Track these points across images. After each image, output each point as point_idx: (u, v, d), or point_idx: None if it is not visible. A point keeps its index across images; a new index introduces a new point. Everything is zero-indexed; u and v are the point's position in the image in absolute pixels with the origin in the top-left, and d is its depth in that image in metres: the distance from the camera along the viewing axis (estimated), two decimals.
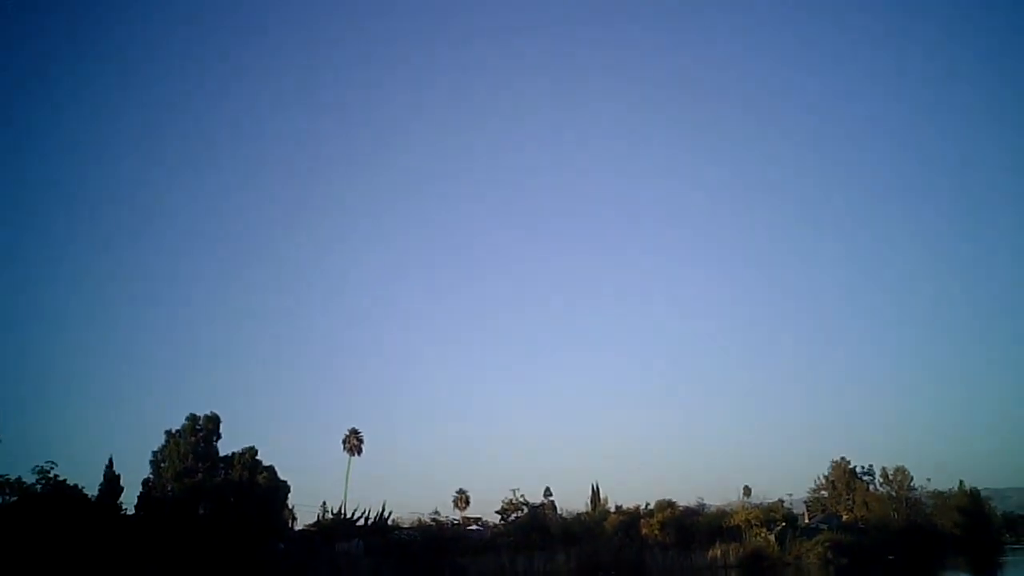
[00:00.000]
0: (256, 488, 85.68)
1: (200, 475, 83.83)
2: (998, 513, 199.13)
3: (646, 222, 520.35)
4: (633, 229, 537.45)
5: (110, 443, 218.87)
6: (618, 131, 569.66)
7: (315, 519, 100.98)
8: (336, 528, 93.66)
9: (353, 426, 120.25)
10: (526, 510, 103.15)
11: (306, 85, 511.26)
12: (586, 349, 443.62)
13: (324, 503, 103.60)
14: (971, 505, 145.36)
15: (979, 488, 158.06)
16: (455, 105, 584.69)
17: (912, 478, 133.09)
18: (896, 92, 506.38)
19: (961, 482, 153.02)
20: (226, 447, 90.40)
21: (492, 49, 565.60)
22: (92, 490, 79.18)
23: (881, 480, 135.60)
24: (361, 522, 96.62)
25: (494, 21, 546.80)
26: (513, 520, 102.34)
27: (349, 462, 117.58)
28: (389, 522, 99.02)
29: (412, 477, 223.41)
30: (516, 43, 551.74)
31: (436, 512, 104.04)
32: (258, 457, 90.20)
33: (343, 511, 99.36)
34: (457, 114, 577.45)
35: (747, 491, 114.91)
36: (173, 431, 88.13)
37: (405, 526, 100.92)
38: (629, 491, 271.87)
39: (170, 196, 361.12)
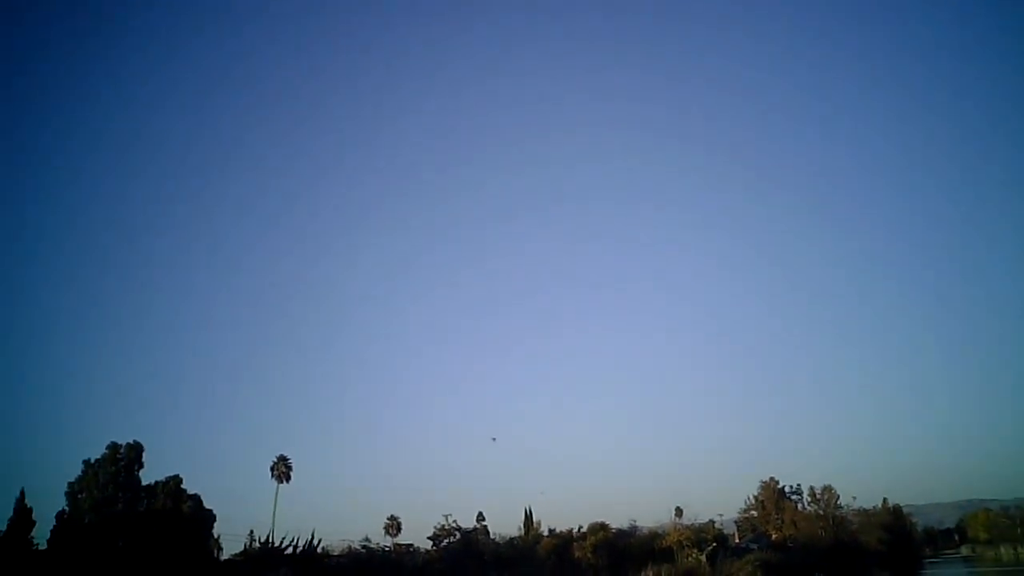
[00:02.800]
0: (180, 518, 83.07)
1: (120, 505, 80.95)
2: (919, 529, 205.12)
3: (590, 250, 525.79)
4: (578, 256, 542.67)
5: (21, 476, 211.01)
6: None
7: (242, 548, 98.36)
8: (263, 557, 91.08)
9: (282, 453, 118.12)
10: (459, 535, 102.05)
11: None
12: (517, 375, 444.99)
13: (251, 532, 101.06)
14: (894, 522, 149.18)
15: (901, 505, 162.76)
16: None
17: (839, 496, 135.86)
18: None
19: (885, 499, 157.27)
20: (149, 476, 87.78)
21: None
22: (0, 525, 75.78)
23: (809, 499, 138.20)
24: (289, 551, 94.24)
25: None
26: (446, 546, 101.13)
27: (277, 489, 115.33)
28: (319, 550, 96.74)
29: (343, 504, 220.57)
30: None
31: (367, 539, 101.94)
32: (183, 486, 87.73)
33: (271, 540, 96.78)
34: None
35: (679, 512, 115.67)
36: (92, 461, 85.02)
37: (335, 553, 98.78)
38: (562, 514, 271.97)
39: (92, 214, 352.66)
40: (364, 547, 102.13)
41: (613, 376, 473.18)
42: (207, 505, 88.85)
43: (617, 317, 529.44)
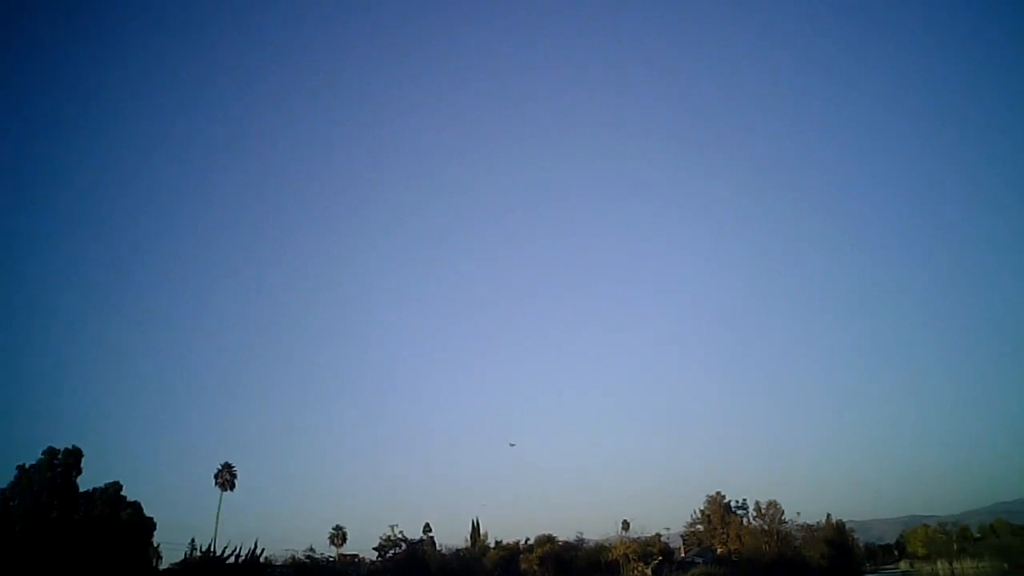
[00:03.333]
0: (118, 526, 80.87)
1: (55, 513, 78.47)
2: (861, 544, 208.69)
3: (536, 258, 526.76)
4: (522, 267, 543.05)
5: None
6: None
7: (182, 557, 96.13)
8: (203, 566, 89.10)
9: (227, 460, 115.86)
10: (405, 546, 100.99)
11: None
12: (464, 387, 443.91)
13: (193, 540, 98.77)
14: (837, 537, 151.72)
15: (844, 520, 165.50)
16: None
17: (783, 512, 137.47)
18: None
19: (828, 515, 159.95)
20: (88, 483, 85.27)
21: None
22: None
23: (754, 514, 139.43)
24: (231, 560, 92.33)
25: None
26: (391, 557, 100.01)
27: (221, 497, 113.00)
28: (261, 559, 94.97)
29: (288, 513, 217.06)
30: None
31: (311, 549, 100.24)
32: (123, 493, 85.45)
33: (212, 548, 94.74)
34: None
35: (626, 525, 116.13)
36: (27, 467, 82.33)
37: (278, 563, 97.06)
38: (510, 526, 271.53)
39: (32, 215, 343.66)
40: (308, 557, 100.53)
41: (563, 391, 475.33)
42: (148, 513, 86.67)
43: (566, 332, 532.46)
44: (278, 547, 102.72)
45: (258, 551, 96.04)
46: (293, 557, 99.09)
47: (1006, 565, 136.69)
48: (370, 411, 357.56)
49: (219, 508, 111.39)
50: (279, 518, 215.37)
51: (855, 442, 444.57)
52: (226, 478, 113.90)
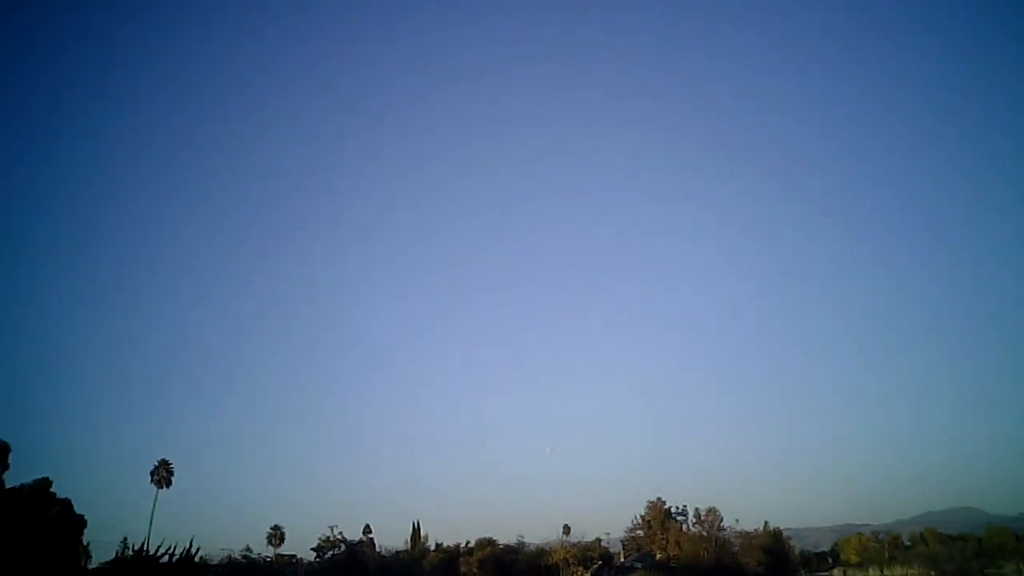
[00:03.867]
0: (46, 523, 78.46)
1: None
2: (796, 551, 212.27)
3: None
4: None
5: None
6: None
7: (113, 556, 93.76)
8: (134, 566, 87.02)
9: (164, 457, 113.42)
10: (344, 548, 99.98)
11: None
12: (404, 388, 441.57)
13: (125, 539, 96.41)
14: (773, 544, 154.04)
15: (781, 528, 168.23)
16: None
17: (722, 518, 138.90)
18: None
19: (766, 523, 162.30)
20: (15, 479, 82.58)
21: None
22: None
23: (694, 520, 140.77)
24: (165, 559, 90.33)
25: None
26: (330, 558, 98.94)
27: (157, 495, 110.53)
28: (197, 559, 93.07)
29: (225, 512, 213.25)
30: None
31: (248, 549, 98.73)
32: (52, 490, 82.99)
33: (145, 547, 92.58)
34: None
35: (567, 530, 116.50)
36: None
37: (214, 563, 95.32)
38: (451, 529, 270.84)
39: None
40: (245, 556, 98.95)
41: (504, 395, 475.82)
42: (79, 510, 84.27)
43: (508, 334, 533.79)
44: (214, 547, 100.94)
45: (193, 550, 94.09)
46: (229, 557, 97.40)
47: (933, 572, 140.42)
48: (310, 410, 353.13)
49: (154, 506, 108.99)
50: (216, 517, 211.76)
51: (792, 452, 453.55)
52: (162, 475, 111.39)
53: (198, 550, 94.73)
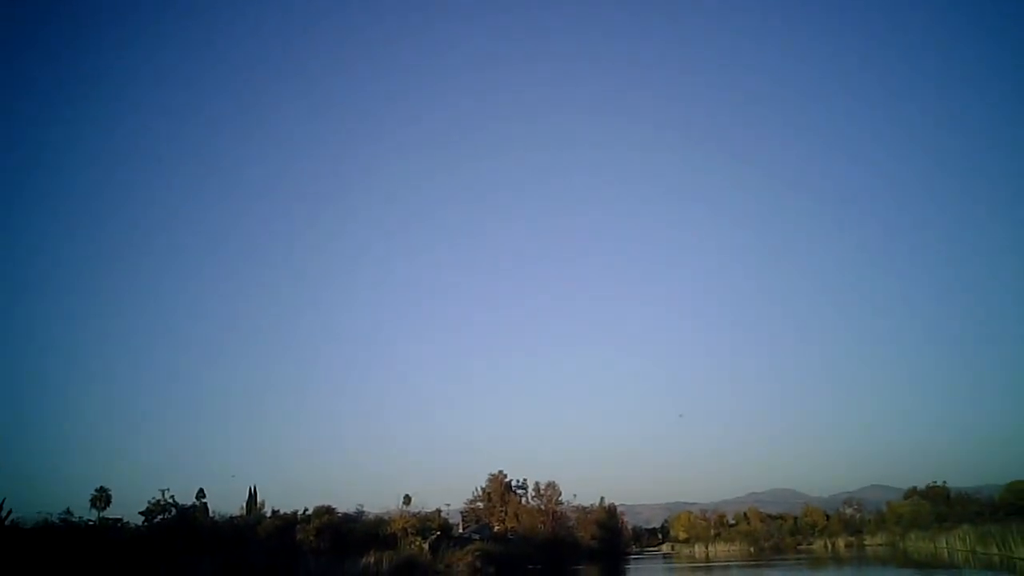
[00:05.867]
0: None
1: None
2: (629, 527, 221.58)
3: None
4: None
5: None
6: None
7: None
8: None
9: None
10: (175, 512, 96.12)
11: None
12: (246, 353, 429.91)
13: None
14: (608, 519, 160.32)
15: (616, 504, 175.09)
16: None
17: (561, 493, 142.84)
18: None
19: (602, 498, 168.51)
20: None
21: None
22: None
23: (533, 494, 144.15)
24: None
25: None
26: (159, 522, 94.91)
27: None
28: (7, 523, 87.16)
29: (43, 472, 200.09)
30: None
31: (68, 512, 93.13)
32: None
33: None
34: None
35: (407, 500, 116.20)
36: None
37: (28, 527, 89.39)
38: (291, 498, 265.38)
39: None
40: (64, 520, 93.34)
41: (345, 365, 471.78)
42: None
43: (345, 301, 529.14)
44: (29, 510, 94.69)
45: (3, 513, 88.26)
46: (46, 520, 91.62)
47: (752, 548, 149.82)
48: (141, 371, 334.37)
49: None
50: (33, 478, 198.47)
51: (628, 430, 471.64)
52: None
53: (9, 513, 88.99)
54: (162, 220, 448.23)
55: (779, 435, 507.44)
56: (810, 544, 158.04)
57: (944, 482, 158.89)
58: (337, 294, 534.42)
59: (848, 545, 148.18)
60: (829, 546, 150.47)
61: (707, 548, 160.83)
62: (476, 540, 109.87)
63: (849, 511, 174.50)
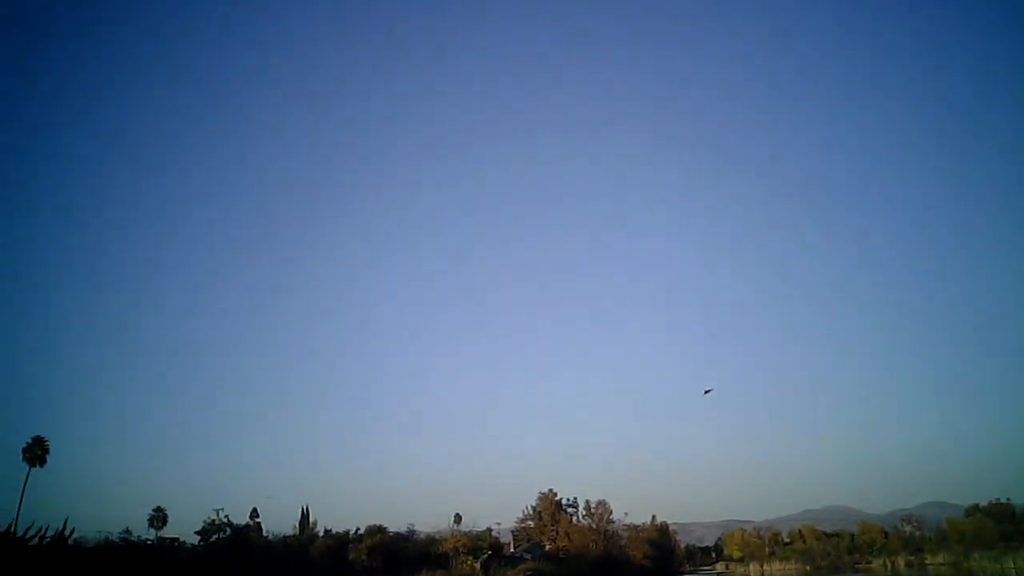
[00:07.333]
0: None
1: None
2: (682, 545, 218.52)
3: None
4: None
5: None
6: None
7: None
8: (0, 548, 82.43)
9: (38, 434, 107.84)
10: (229, 532, 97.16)
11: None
12: (297, 372, 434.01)
13: None
14: (660, 537, 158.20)
15: (668, 522, 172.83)
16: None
17: (612, 511, 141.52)
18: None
19: (654, 516, 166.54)
20: None
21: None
22: None
23: (584, 512, 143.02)
24: (35, 541, 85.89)
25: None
26: (214, 542, 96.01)
27: (29, 474, 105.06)
28: (71, 541, 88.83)
29: (104, 493, 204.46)
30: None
31: (127, 531, 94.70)
32: None
33: (13, 528, 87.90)
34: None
35: (458, 519, 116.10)
36: None
37: (90, 546, 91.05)
38: (342, 516, 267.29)
39: None
40: (123, 539, 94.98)
41: (396, 385, 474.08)
42: None
43: (400, 321, 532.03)
44: (91, 528, 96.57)
45: (67, 532, 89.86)
46: (107, 539, 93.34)
47: (808, 567, 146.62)
48: (196, 390, 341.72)
49: (25, 485, 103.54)
50: (95, 499, 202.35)
51: (683, 449, 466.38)
52: (36, 453, 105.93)
53: (72, 532, 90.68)
54: (210, 247, 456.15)
55: (834, 451, 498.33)
56: (869, 563, 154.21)
57: (1008, 499, 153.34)
58: (387, 323, 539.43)
59: (909, 564, 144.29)
60: (889, 565, 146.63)
61: (762, 567, 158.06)
62: (528, 559, 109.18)
63: (908, 529, 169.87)
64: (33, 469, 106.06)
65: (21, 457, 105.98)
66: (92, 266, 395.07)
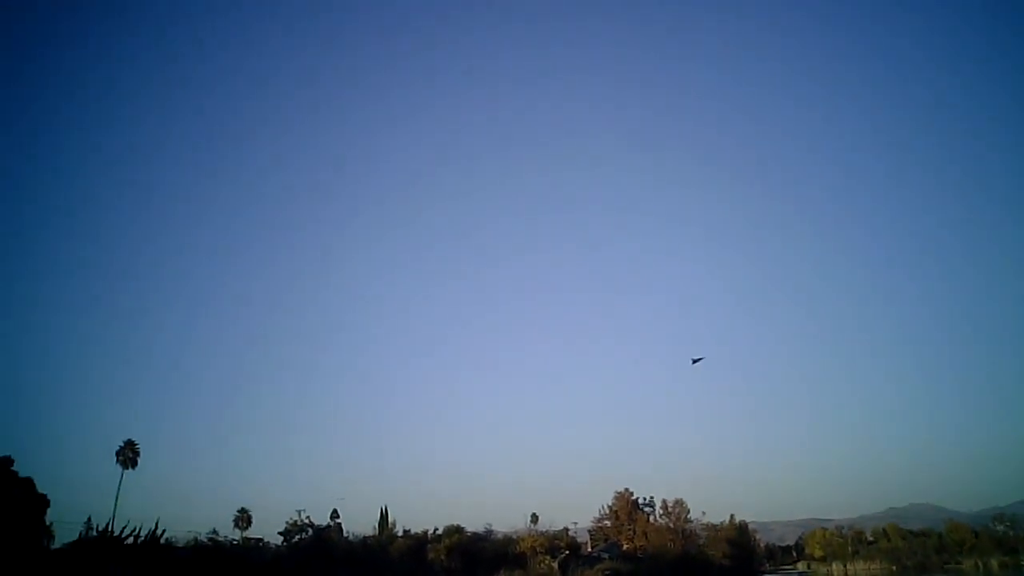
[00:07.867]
0: (7, 503, 77.22)
1: None
2: (762, 544, 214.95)
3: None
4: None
5: None
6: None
7: (77, 537, 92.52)
8: (97, 547, 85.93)
9: (130, 437, 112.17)
10: (311, 532, 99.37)
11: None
12: (378, 375, 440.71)
13: (89, 519, 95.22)
14: (739, 537, 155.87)
15: (747, 521, 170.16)
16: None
17: (689, 510, 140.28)
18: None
19: (732, 515, 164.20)
20: None
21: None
22: None
23: (661, 511, 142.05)
24: (129, 541, 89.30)
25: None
26: (297, 542, 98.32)
27: (122, 476, 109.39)
28: (162, 541, 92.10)
29: (192, 494, 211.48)
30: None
31: (214, 532, 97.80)
32: (14, 468, 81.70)
33: (109, 528, 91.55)
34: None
35: (534, 518, 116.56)
36: None
37: (180, 545, 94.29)
38: (419, 516, 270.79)
39: None
40: (211, 539, 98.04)
41: (473, 383, 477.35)
42: (41, 490, 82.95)
43: (483, 331, 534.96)
44: (180, 529, 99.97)
45: (159, 532, 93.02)
46: (195, 539, 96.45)
47: (894, 567, 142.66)
48: (280, 393, 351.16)
49: (119, 487, 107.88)
50: (183, 499, 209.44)
51: (760, 447, 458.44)
52: (128, 456, 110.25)
53: (163, 532, 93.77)
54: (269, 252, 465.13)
55: (920, 447, 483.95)
56: (959, 563, 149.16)
57: None
58: (463, 327, 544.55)
59: (1003, 565, 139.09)
60: (981, 566, 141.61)
61: (845, 567, 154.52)
62: (605, 559, 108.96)
63: (1001, 528, 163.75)
64: (126, 471, 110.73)
65: (115, 460, 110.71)
66: (179, 272, 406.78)
